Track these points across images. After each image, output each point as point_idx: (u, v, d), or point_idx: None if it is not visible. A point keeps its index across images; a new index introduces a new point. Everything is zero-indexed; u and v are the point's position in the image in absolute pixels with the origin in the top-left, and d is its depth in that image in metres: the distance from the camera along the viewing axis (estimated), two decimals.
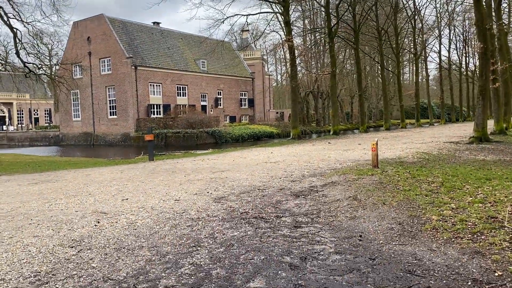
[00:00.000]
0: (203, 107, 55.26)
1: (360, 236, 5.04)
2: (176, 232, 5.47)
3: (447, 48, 65.06)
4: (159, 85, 48.96)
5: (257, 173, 10.65)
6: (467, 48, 71.45)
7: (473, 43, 74.79)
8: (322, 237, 5.05)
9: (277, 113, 74.18)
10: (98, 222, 6.09)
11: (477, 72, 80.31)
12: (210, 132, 44.05)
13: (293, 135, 26.65)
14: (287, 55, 74.59)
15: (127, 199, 7.84)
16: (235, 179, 9.66)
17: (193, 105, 53.14)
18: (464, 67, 72.63)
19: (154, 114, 48.07)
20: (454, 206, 6.00)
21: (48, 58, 46.57)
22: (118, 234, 5.45)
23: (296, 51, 28.88)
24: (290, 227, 5.50)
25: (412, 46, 51.24)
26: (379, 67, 51.68)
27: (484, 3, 19.54)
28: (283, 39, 32.12)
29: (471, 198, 6.40)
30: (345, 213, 6.03)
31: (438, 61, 61.65)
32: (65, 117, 52.66)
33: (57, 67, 43.19)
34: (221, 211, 6.46)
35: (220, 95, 58.56)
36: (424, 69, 55.30)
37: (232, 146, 37.83)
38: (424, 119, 69.00)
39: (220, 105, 58.46)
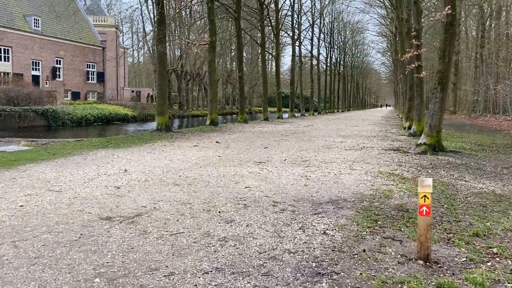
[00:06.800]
0: (35, 78, 42.48)
1: None
2: None
3: (318, 36, 62.86)
4: None
5: None
6: (332, 38, 70.72)
7: (335, 34, 74.57)
8: None
9: (133, 91, 63.60)
10: None
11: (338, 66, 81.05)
12: (40, 112, 32.58)
13: (158, 124, 18.28)
14: (147, 27, 64.23)
15: None
16: None
17: (20, 74, 40.14)
18: (329, 59, 71.86)
19: None
20: None
21: None
22: None
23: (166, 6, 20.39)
24: None
25: (290, 28, 46.47)
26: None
27: None
28: None
29: None
30: None
31: (310, 49, 58.77)
32: None
33: None
34: None
35: (60, 64, 46.09)
36: (298, 55, 51.24)
37: (71, 132, 27.70)
38: (284, 108, 65.80)
39: (60, 77, 46.04)
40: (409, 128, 22.52)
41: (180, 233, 4.69)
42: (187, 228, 4.87)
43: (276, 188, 7.31)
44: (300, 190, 7.18)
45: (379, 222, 5.38)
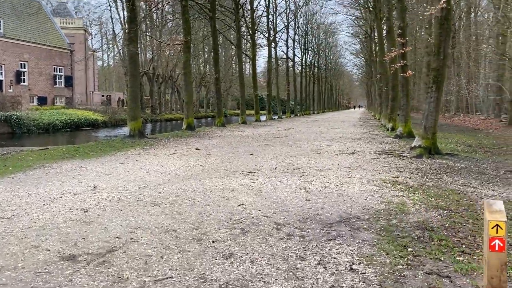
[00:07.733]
0: None
1: None
2: None
3: (293, 38, 62.30)
4: None
5: None
6: (306, 40, 70.21)
7: (309, 36, 74.16)
8: None
9: (103, 96, 61.47)
10: None
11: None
12: (3, 118, 30.56)
13: (131, 130, 16.93)
14: (117, 29, 62.09)
15: None
16: None
17: None
18: (304, 61, 71.30)
19: None
20: None
21: None
22: None
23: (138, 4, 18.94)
24: None
25: (266, 29, 45.61)
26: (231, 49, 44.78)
27: None
28: None
29: None
30: None
31: (285, 51, 58.10)
32: None
33: None
34: None
35: (24, 68, 43.72)
36: (274, 57, 50.37)
37: (37, 140, 25.97)
38: (262, 111, 65.01)
39: (24, 82, 43.65)
40: (393, 129, 21.91)
41: (167, 278, 3.57)
42: (176, 269, 3.76)
43: (274, 204, 6.26)
44: (302, 207, 6.15)
45: (409, 249, 4.41)
